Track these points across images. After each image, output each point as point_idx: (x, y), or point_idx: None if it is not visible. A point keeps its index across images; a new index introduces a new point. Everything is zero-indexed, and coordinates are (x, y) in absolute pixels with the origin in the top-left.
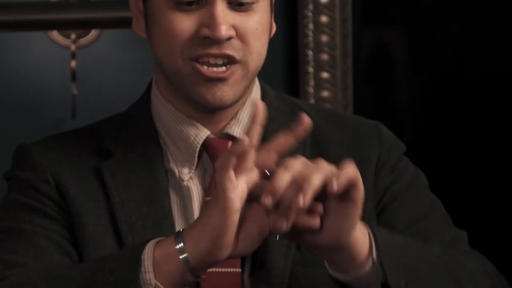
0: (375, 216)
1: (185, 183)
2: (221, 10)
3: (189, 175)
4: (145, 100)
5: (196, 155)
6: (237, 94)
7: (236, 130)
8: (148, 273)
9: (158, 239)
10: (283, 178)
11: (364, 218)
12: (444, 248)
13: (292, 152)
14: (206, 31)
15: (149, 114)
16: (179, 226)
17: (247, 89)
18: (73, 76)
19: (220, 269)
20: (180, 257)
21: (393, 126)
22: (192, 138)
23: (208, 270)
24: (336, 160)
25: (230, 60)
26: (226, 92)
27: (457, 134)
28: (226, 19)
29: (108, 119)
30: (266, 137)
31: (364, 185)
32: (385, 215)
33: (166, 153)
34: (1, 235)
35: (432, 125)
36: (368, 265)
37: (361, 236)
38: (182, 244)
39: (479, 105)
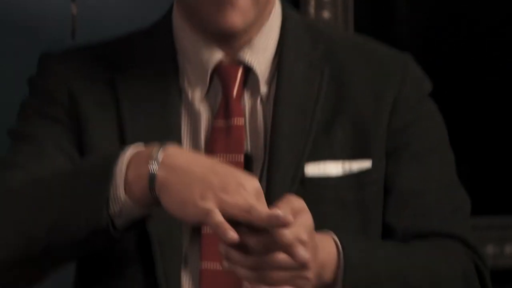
0: (385, 158)
1: (196, 105)
2: None
3: (200, 98)
4: (166, 19)
5: (208, 78)
6: (247, 19)
7: (249, 56)
8: (118, 188)
9: (136, 147)
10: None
11: (373, 162)
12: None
13: (309, 82)
14: None
15: (170, 32)
16: (185, 144)
17: (260, 15)
18: None
19: None
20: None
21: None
22: (205, 61)
23: None
24: (353, 94)
25: None
26: (236, 16)
27: (458, 62)
28: None
29: (128, 35)
30: (281, 66)
31: (377, 128)
32: (392, 164)
33: (182, 73)
34: (13, 138)
35: (436, 51)
36: None
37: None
38: (156, 166)
39: (485, 41)
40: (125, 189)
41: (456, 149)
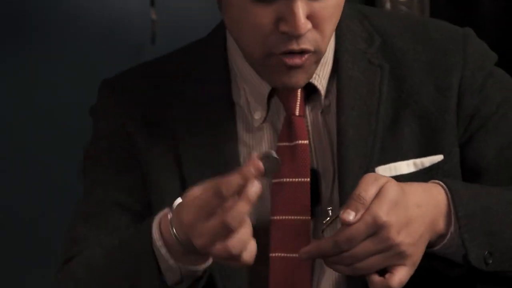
0: (458, 148)
1: (256, 127)
2: (300, 5)
3: (260, 119)
4: (220, 32)
5: (266, 99)
6: (310, 76)
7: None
8: (168, 260)
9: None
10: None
11: (444, 153)
12: None
13: (369, 81)
14: (285, 27)
15: (224, 50)
16: None
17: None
18: (152, 1)
19: (289, 217)
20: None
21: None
22: (262, 82)
23: (277, 217)
24: (415, 87)
25: (305, 51)
26: (301, 77)
27: None
28: (304, 13)
29: (182, 51)
30: (340, 71)
31: (444, 117)
32: (473, 144)
33: (238, 95)
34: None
35: None
36: (446, 238)
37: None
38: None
39: None
40: (174, 258)
41: None
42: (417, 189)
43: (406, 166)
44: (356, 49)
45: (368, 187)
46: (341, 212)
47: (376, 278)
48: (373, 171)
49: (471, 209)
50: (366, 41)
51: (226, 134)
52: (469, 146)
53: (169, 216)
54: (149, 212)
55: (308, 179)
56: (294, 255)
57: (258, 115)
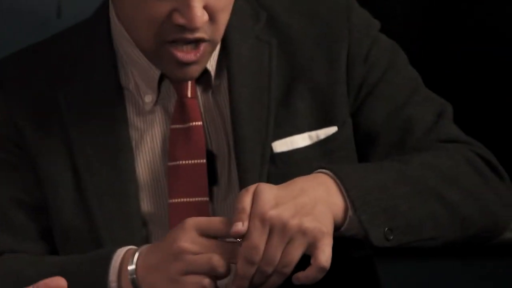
0: (350, 118)
1: (147, 111)
2: None
3: (151, 104)
4: (103, 14)
5: (156, 84)
6: (204, 66)
7: None
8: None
9: (127, 248)
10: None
11: (338, 124)
12: (420, 153)
13: (258, 58)
14: (181, 20)
15: (108, 33)
16: (141, 156)
17: None
18: None
19: (187, 199)
20: (129, 277)
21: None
22: (152, 66)
23: (175, 200)
24: (305, 61)
25: (200, 40)
26: (195, 69)
27: None
28: (201, 5)
29: (67, 33)
30: (229, 50)
31: (335, 88)
32: (363, 112)
33: (127, 80)
34: None
35: None
36: (346, 223)
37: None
38: (133, 266)
39: None
40: None
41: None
42: (296, 181)
43: (301, 140)
44: (244, 26)
45: (242, 199)
46: (231, 229)
47: (301, 273)
48: (270, 146)
49: (364, 189)
50: (253, 18)
51: (117, 120)
52: (359, 114)
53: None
54: (46, 205)
55: (204, 160)
56: None
57: (148, 99)
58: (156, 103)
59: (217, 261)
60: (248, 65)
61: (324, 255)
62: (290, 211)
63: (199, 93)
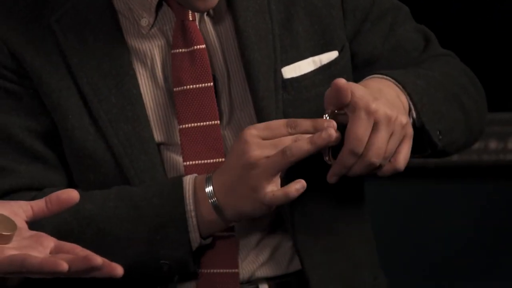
0: (347, 41)
1: (145, 36)
2: None
3: (147, 28)
4: None
5: (155, 7)
6: None
7: None
8: (192, 219)
9: (194, 176)
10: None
11: (337, 49)
12: (431, 60)
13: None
14: None
15: None
16: (143, 80)
17: None
18: None
19: (197, 124)
20: (210, 201)
21: None
22: None
23: (185, 126)
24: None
25: None
26: (215, 1)
27: None
28: None
29: None
30: (236, 12)
31: (331, 13)
32: (360, 37)
33: (122, 4)
34: None
35: None
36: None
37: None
38: (211, 188)
39: None
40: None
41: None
42: (368, 82)
43: (307, 65)
44: None
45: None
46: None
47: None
48: (280, 71)
49: (419, 93)
50: None
51: (116, 45)
52: (357, 40)
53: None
54: (56, 131)
55: (211, 84)
56: (207, 161)
57: (144, 22)
58: (152, 27)
59: (292, 146)
60: None
61: (404, 157)
62: (388, 105)
63: (197, 17)
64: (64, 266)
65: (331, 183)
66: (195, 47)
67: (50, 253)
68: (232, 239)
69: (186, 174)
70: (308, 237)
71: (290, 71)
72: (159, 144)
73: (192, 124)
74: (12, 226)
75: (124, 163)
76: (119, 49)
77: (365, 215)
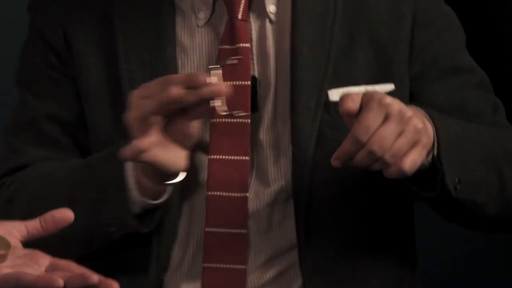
0: (408, 79)
1: (199, 28)
2: None
3: (204, 20)
4: None
5: (211, 0)
6: None
7: None
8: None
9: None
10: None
11: (395, 82)
12: (488, 125)
13: (325, 0)
14: None
15: None
16: (183, 73)
17: None
18: None
19: (228, 120)
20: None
21: None
22: None
23: (216, 120)
24: (371, 12)
25: None
26: None
27: None
28: None
29: None
30: (295, 27)
31: (398, 46)
32: (425, 82)
33: None
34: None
35: None
36: (428, 158)
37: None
38: None
39: None
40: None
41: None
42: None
43: (357, 91)
44: None
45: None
46: (343, 105)
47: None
48: (326, 92)
49: (449, 135)
50: None
51: (164, 37)
52: (421, 83)
53: None
54: (82, 121)
55: (249, 82)
56: (232, 157)
57: (202, 15)
58: (208, 21)
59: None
60: (314, 7)
61: (412, 161)
62: (407, 107)
63: (252, 18)
64: (60, 283)
65: (334, 166)
66: (240, 44)
67: (45, 270)
68: (242, 236)
69: (210, 168)
70: (319, 277)
71: (337, 94)
72: None
73: (224, 120)
74: (7, 244)
75: None
76: (166, 41)
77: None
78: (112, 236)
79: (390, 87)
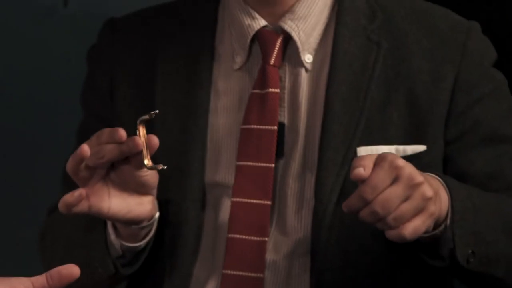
0: (442, 142)
1: (235, 72)
2: None
3: (240, 64)
4: None
5: (247, 45)
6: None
7: (290, 23)
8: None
9: None
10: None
11: (428, 144)
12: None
13: (364, 56)
14: None
15: (216, 1)
16: (215, 117)
17: None
18: None
19: (253, 163)
20: None
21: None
22: (247, 26)
23: (242, 163)
24: (411, 72)
25: None
26: None
27: None
28: None
29: (176, 2)
30: (336, 41)
31: (433, 108)
32: (462, 147)
33: (222, 41)
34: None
35: None
36: (440, 228)
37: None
38: None
39: None
40: (116, 233)
41: None
42: (426, 175)
43: (387, 151)
44: (357, 24)
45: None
46: (353, 171)
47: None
48: (355, 149)
49: (465, 206)
50: (369, 18)
51: (200, 81)
52: (457, 147)
53: None
54: None
55: (275, 127)
56: (254, 201)
57: (238, 59)
58: (243, 65)
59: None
60: (352, 63)
61: (414, 229)
62: (419, 173)
63: (287, 65)
64: None
65: (344, 211)
66: (269, 90)
67: None
68: (259, 280)
69: (232, 210)
70: None
71: (366, 152)
72: (207, 181)
73: (249, 163)
74: None
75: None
76: (201, 85)
77: None
78: (102, 277)
79: (421, 148)
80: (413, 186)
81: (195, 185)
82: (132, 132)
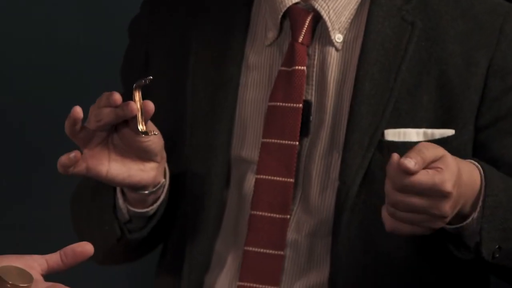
0: (472, 126)
1: (266, 47)
2: None
3: (271, 39)
4: None
5: (279, 21)
6: None
7: (321, 2)
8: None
9: None
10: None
11: (457, 128)
12: None
13: (397, 37)
14: None
15: None
16: (244, 92)
17: None
18: None
19: (278, 140)
20: None
21: None
22: (279, 2)
23: (267, 140)
24: (444, 55)
25: None
26: None
27: None
28: None
29: None
30: (370, 22)
31: (465, 93)
32: (494, 136)
33: (257, 17)
34: None
35: None
36: (466, 222)
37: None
38: None
39: None
40: (123, 198)
41: None
42: (464, 168)
43: (415, 134)
44: (392, 4)
45: (429, 148)
46: (403, 158)
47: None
48: (382, 132)
49: (498, 201)
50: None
51: (231, 55)
52: (490, 133)
53: None
54: None
55: (300, 105)
56: (277, 178)
57: (270, 35)
58: (275, 41)
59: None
60: (385, 43)
61: (399, 229)
62: (455, 200)
63: (317, 43)
64: None
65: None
66: (296, 67)
67: None
68: (279, 257)
69: (256, 187)
70: None
71: (393, 135)
72: (233, 155)
73: (274, 140)
74: (29, 278)
75: (187, 169)
76: (231, 59)
77: None
78: (112, 240)
79: (450, 132)
80: (437, 213)
81: (220, 159)
82: (162, 105)
